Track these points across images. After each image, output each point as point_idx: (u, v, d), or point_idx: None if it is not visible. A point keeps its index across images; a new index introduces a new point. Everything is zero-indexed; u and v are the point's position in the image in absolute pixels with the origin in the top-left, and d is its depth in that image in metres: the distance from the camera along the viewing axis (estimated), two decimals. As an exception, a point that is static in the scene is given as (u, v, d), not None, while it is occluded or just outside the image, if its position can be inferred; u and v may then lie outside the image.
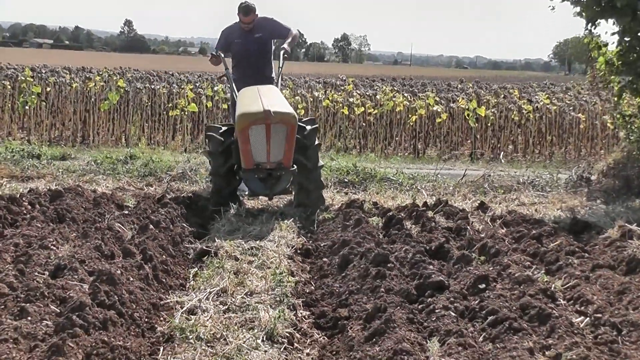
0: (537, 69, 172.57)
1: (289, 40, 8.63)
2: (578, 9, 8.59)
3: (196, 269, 5.78)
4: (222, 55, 8.68)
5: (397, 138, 16.50)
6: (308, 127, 7.80)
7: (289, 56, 8.67)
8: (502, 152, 15.11)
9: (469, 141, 16.91)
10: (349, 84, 19.83)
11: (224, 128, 7.89)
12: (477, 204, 8.08)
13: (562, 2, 8.55)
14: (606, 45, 9.03)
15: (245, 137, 7.34)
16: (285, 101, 7.87)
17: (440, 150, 15.80)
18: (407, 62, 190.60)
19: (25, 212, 6.75)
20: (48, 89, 15.93)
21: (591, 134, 16.35)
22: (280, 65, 8.65)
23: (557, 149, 16.18)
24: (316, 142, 7.89)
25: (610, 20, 8.58)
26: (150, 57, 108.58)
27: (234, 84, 8.46)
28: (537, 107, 16.37)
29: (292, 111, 7.54)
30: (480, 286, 4.96)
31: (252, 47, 8.64)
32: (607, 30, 8.84)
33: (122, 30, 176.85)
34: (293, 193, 7.99)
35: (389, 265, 5.36)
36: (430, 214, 7.42)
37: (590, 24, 8.67)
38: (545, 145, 16.10)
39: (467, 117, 15.71)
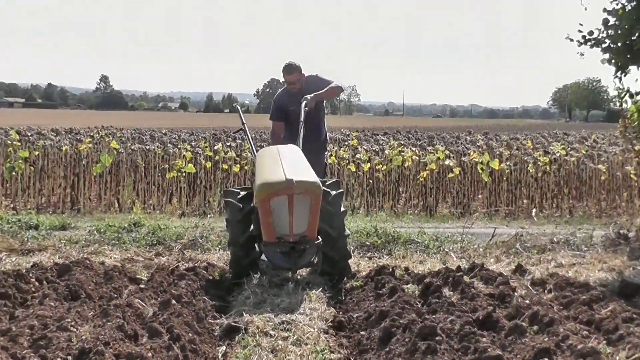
0: (535, 117, 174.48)
1: (319, 92, 8.71)
2: (607, 55, 8.66)
3: (224, 347, 5.66)
4: (240, 109, 8.81)
5: (404, 195, 16.49)
6: (333, 192, 7.54)
7: (310, 109, 8.65)
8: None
9: (480, 196, 16.92)
10: (352, 139, 19.90)
11: (242, 193, 7.63)
12: (513, 267, 8.02)
13: (592, 49, 8.61)
14: (638, 93, 9.08)
15: (267, 208, 7.05)
16: (308, 166, 7.54)
17: (454, 207, 15.75)
18: (399, 112, 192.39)
19: (34, 289, 6.62)
20: (36, 153, 15.85)
21: (612, 186, 16.37)
22: (301, 119, 8.57)
23: (577, 202, 16.18)
24: (342, 209, 7.63)
25: (643, 68, 8.66)
26: (129, 114, 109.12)
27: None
28: (554, 158, 16.41)
29: (316, 180, 7.21)
30: (542, 360, 4.86)
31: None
32: (638, 78, 8.90)
33: (98, 86, 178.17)
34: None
35: (437, 338, 5.25)
36: (467, 279, 7.34)
37: (620, 72, 8.73)
38: (564, 199, 16.09)
39: (480, 171, 15.72)
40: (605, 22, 8.56)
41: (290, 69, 8.72)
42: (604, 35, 8.55)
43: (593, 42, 8.63)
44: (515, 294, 6.61)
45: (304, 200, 7.07)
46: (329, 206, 7.44)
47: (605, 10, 8.57)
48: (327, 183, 7.71)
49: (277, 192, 7.00)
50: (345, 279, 7.55)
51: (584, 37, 8.63)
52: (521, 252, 9.12)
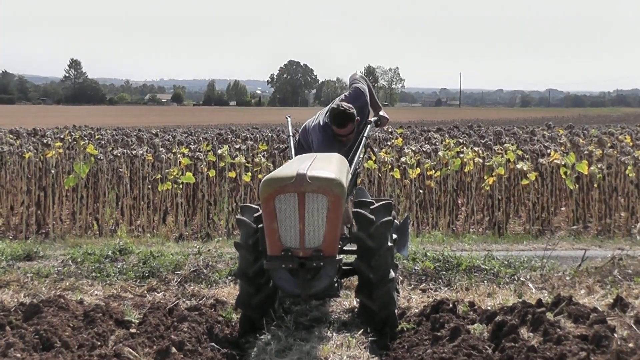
0: (634, 104, 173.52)
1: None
2: None
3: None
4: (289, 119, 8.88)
5: (465, 208, 16.46)
6: (377, 220, 7.23)
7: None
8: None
9: (563, 209, 16.86)
10: (396, 137, 19.92)
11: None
12: (611, 300, 7.99)
13: None
14: None
15: (270, 210, 6.82)
16: (339, 169, 7.27)
17: (529, 223, 15.66)
18: (455, 101, 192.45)
19: (-5, 337, 6.69)
20: (-8, 161, 16.05)
21: None
22: (365, 134, 8.70)
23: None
24: (389, 243, 7.28)
25: None
26: (108, 109, 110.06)
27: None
28: (661, 158, 16.30)
29: (337, 177, 6.92)
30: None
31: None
32: None
33: (67, 74, 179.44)
34: (355, 296, 7.80)
35: (514, 394, 5.28)
36: (550, 316, 7.33)
37: None
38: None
39: (563, 177, 15.63)
40: None
41: (344, 119, 8.37)
42: None
43: None
44: (615, 335, 6.58)
45: (319, 201, 6.78)
46: (369, 240, 7.18)
47: None
48: (373, 206, 7.42)
49: (284, 188, 6.78)
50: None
51: None
52: (620, 280, 9.08)
